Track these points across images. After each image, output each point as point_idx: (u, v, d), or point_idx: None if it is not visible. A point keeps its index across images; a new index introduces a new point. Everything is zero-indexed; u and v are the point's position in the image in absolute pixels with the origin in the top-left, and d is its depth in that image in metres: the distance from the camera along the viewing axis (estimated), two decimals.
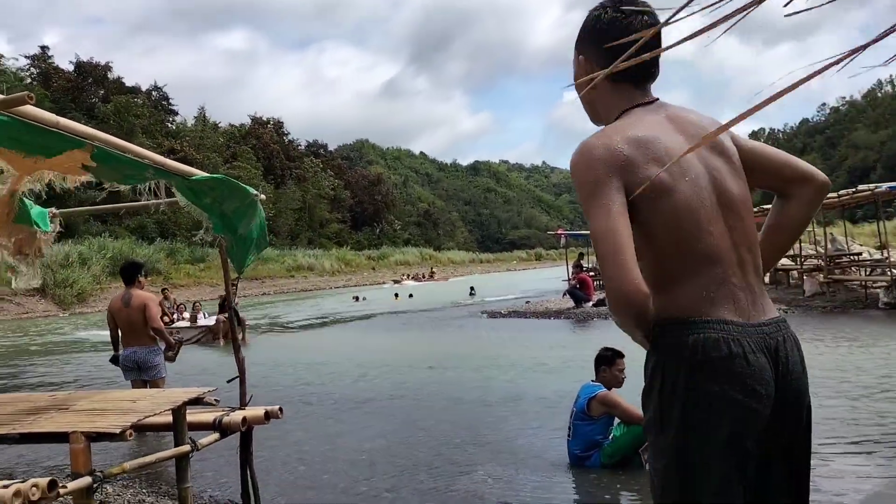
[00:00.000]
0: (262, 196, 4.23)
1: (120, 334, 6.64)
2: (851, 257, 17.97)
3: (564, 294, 19.95)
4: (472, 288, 30.65)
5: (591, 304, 18.20)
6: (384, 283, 46.75)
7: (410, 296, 30.36)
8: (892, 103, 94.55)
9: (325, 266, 53.96)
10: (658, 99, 1.84)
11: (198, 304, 17.48)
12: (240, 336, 14.01)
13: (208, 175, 3.75)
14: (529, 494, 4.54)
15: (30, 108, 2.54)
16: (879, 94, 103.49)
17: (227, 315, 14.15)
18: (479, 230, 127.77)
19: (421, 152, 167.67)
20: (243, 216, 4.03)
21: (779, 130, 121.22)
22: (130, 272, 6.72)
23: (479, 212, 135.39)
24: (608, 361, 5.17)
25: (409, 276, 50.80)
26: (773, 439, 1.61)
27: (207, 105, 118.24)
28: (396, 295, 30.50)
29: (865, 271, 16.99)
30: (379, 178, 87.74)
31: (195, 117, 65.76)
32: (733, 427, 1.54)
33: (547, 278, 35.93)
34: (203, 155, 50.45)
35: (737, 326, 1.58)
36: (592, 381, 5.17)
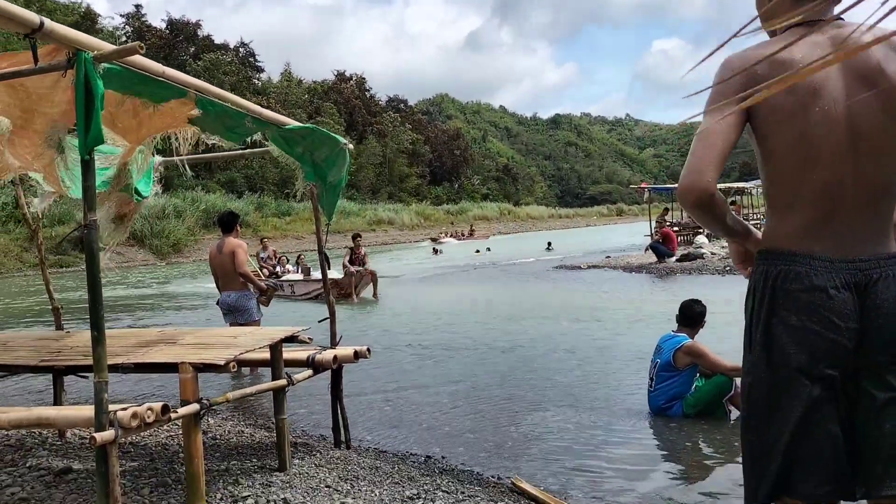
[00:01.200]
0: (351, 145, 4.36)
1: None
2: None
3: (647, 249, 19.62)
4: (549, 243, 30.52)
5: (674, 258, 17.86)
6: (421, 241, 46.38)
7: (489, 249, 30.51)
8: None
9: (405, 220, 54.64)
10: (840, 18, 1.73)
11: (301, 256, 17.30)
12: (370, 289, 14.34)
13: (301, 125, 3.90)
14: (612, 440, 4.61)
15: (139, 59, 2.71)
16: None
17: (357, 268, 13.83)
18: (559, 185, 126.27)
19: (501, 106, 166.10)
20: (333, 164, 4.17)
21: None
22: (227, 221, 7.05)
23: (559, 166, 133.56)
24: (699, 319, 5.13)
25: (448, 233, 50.04)
26: (868, 367, 1.65)
27: (293, 62, 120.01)
28: (477, 251, 30.75)
29: None
30: (458, 132, 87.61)
31: (280, 74, 67.03)
32: (810, 355, 1.63)
33: (629, 234, 35.34)
34: (288, 111, 51.51)
35: (825, 262, 1.65)
36: (674, 331, 5.14)
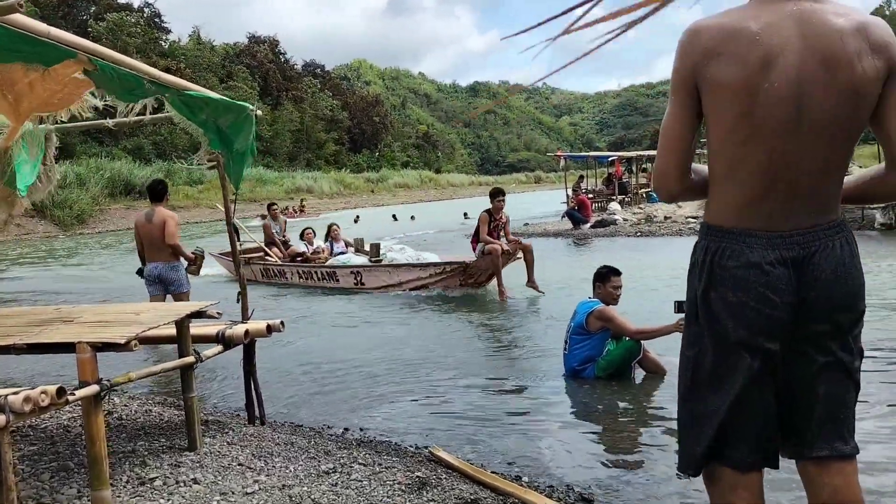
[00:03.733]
0: (259, 112, 4.19)
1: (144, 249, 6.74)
2: None
3: (563, 216, 19.99)
4: (465, 214, 29.47)
5: (588, 225, 18.26)
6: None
7: (412, 217, 30.40)
8: None
9: (324, 188, 53.75)
10: None
11: (335, 227, 11.94)
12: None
13: (202, 93, 3.70)
14: (528, 405, 4.69)
15: (20, 18, 2.50)
16: (888, 12, 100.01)
17: (498, 243, 8.91)
18: (479, 153, 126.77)
19: (420, 73, 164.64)
20: (240, 131, 4.00)
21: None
22: (158, 190, 6.77)
23: (479, 134, 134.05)
24: (603, 278, 5.25)
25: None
26: (808, 335, 1.73)
27: (206, 23, 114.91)
28: (394, 216, 30.58)
29: None
30: (377, 98, 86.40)
31: (189, 36, 64.15)
32: (748, 329, 1.70)
33: (547, 201, 35.89)
34: (198, 75, 49.50)
35: (761, 239, 1.70)
36: (590, 297, 5.26)
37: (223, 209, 4.40)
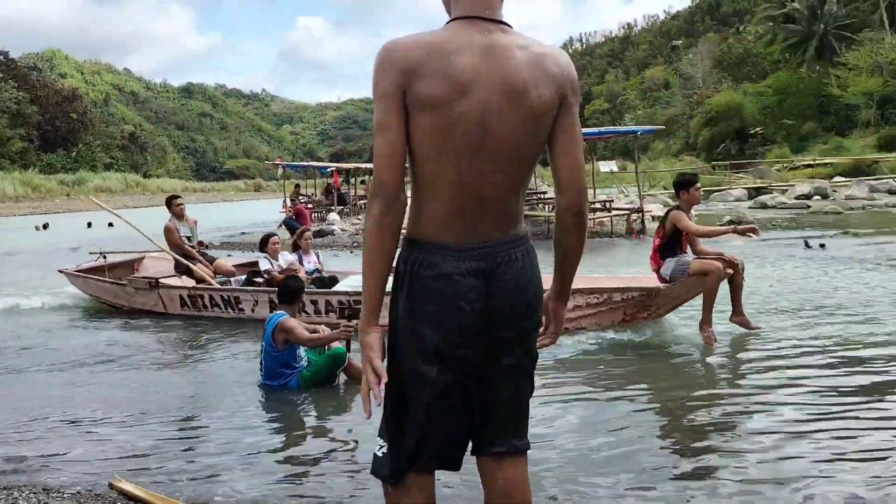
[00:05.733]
0: None
1: None
2: (539, 195, 20.14)
3: (280, 225, 19.69)
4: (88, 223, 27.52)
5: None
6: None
7: (110, 225, 27.70)
8: (580, 59, 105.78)
9: (7, 191, 46.99)
10: (505, 24, 1.80)
11: (309, 235, 8.49)
12: None
13: None
14: (221, 425, 4.45)
15: None
16: (570, 51, 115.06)
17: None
18: (194, 157, 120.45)
19: (125, 68, 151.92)
20: None
21: None
22: None
23: (194, 137, 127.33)
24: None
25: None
26: (499, 341, 1.83)
27: None
28: (89, 224, 27.62)
29: (548, 208, 19.18)
30: (74, 93, 77.78)
31: None
32: (444, 338, 1.77)
33: (265, 210, 35.17)
34: None
35: (453, 251, 1.78)
36: (277, 311, 5.19)
37: None
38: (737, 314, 5.91)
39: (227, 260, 9.63)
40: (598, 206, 18.32)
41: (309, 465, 3.75)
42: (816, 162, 35.45)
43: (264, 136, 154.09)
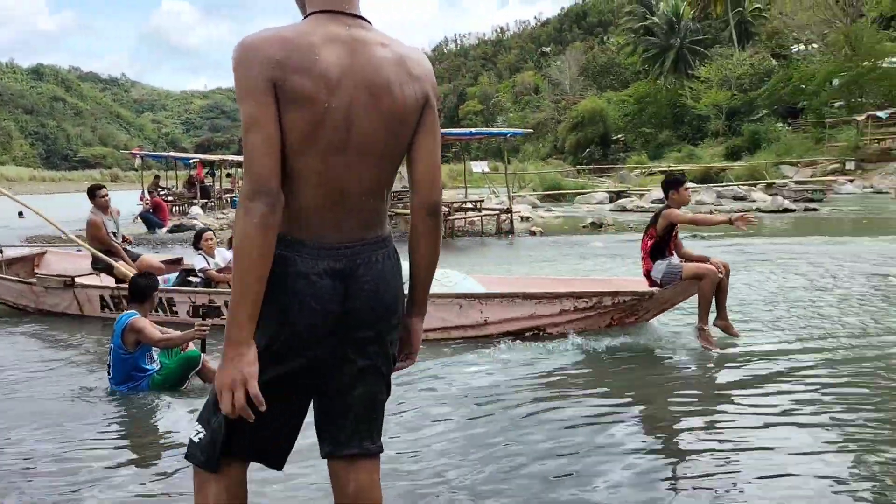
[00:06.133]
0: None
1: None
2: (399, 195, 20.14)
3: (136, 218, 18.53)
4: (20, 212, 25.98)
5: (165, 229, 17.24)
6: None
7: (20, 215, 24.87)
8: (455, 60, 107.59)
9: None
10: (363, 18, 1.78)
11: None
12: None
13: None
14: (73, 437, 4.02)
15: None
16: (445, 51, 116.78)
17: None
18: (44, 144, 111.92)
19: None
20: None
21: None
22: None
23: (44, 123, 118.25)
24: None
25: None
26: (353, 342, 1.81)
27: None
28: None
29: None
30: None
31: None
32: (296, 335, 1.75)
33: (120, 201, 33.09)
34: None
35: (311, 250, 1.75)
36: (128, 310, 4.84)
37: None
38: (721, 318, 5.71)
39: (154, 256, 8.57)
40: (469, 206, 18.52)
41: (163, 476, 3.47)
42: (671, 169, 37.74)
43: (123, 124, 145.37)
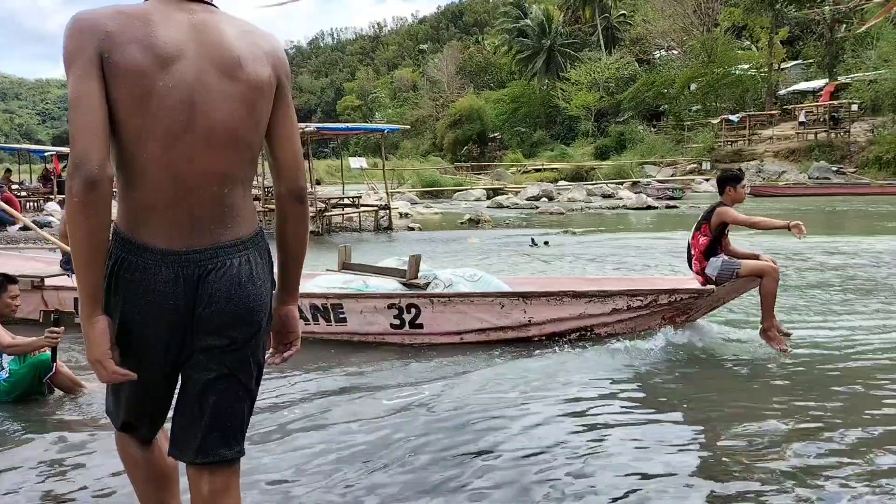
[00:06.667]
0: None
1: None
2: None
3: None
4: None
5: (17, 227, 15.99)
6: None
7: None
8: (332, 54, 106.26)
9: None
10: (209, 3, 1.71)
11: None
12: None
13: None
14: None
15: None
16: (322, 44, 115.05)
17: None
18: None
19: None
20: None
21: None
22: None
23: None
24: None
25: None
26: (205, 349, 1.74)
27: None
28: None
29: None
30: None
31: None
32: (144, 341, 1.72)
33: None
34: None
35: (155, 254, 1.65)
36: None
37: None
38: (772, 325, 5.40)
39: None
40: (347, 202, 18.38)
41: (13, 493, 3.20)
42: (545, 167, 39.04)
43: None
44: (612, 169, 35.04)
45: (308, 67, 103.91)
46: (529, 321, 5.42)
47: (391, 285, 5.85)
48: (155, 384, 1.82)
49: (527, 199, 26.06)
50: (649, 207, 21.61)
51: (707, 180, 30.50)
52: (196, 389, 1.77)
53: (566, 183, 32.61)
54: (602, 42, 50.49)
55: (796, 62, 42.67)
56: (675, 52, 45.08)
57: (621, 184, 30.93)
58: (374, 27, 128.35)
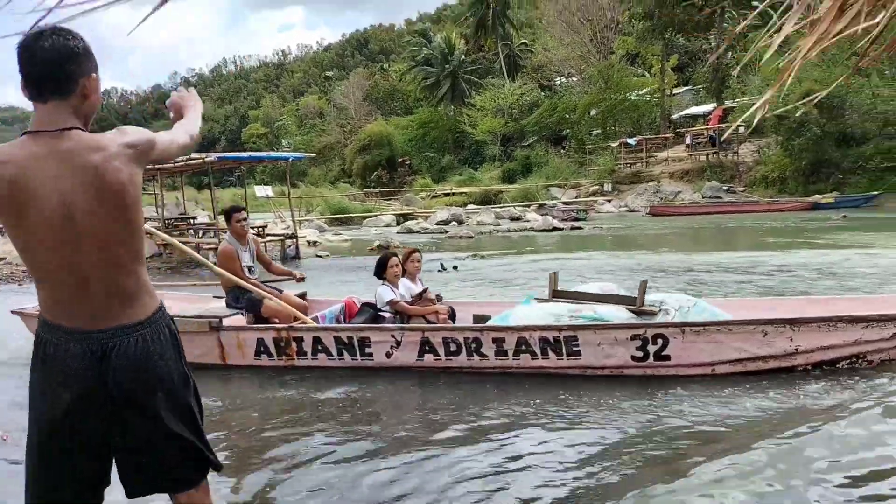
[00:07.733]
0: None
1: None
2: (189, 221, 19.09)
3: None
4: None
5: None
6: None
7: None
8: (235, 82, 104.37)
9: None
10: (71, 129, 1.94)
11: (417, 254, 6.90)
12: None
13: None
14: None
15: None
16: (224, 72, 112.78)
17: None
18: None
19: None
20: None
21: (131, 92, 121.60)
22: None
23: None
24: None
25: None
26: (119, 416, 2.01)
27: None
28: None
29: (199, 234, 18.25)
30: None
31: None
32: (63, 415, 1.95)
33: None
34: None
35: (66, 333, 1.96)
36: None
37: None
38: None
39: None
40: (252, 231, 17.92)
41: None
42: (454, 191, 39.41)
43: None
44: (519, 192, 35.69)
45: (211, 95, 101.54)
46: (796, 350, 4.94)
47: (621, 314, 5.38)
48: (63, 460, 1.99)
49: (437, 224, 26.17)
50: (555, 229, 22.08)
51: (609, 201, 31.55)
52: (128, 450, 2.05)
53: (475, 207, 32.99)
54: (504, 69, 51.66)
55: (687, 88, 44.89)
56: (574, 78, 46.61)
57: (528, 206, 31.55)
58: (278, 55, 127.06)
